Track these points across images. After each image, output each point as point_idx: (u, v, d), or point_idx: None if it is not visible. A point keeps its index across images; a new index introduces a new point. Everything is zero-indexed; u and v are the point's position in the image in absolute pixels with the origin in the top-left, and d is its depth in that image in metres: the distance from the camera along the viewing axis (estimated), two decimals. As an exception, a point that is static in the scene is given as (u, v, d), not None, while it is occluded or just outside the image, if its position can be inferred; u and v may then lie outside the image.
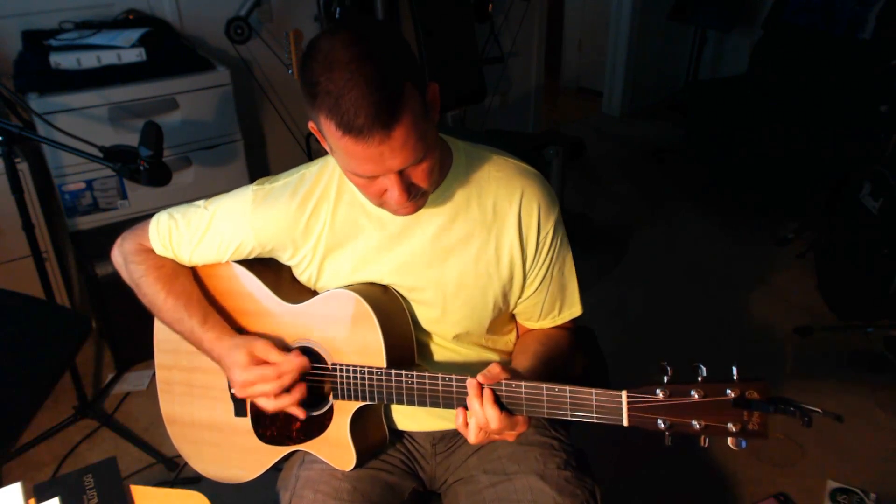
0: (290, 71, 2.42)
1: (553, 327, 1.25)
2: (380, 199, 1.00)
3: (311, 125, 0.99)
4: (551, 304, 1.21)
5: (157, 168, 1.72)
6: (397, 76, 0.89)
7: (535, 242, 1.13)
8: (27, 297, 1.74)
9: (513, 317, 1.25)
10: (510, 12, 3.77)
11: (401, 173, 0.95)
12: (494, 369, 1.00)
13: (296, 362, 1.08)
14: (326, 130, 0.92)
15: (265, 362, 1.10)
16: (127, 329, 2.30)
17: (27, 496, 0.96)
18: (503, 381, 0.99)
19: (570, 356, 1.25)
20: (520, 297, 1.19)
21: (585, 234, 3.29)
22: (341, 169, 0.99)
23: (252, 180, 1.18)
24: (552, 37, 4.53)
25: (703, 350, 2.48)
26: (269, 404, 1.10)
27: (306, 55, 0.92)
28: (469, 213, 1.11)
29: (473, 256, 1.12)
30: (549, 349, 1.19)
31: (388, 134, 0.88)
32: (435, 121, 1.00)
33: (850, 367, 2.42)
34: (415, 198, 0.99)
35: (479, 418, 0.99)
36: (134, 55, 2.28)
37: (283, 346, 1.16)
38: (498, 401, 0.99)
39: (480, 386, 0.99)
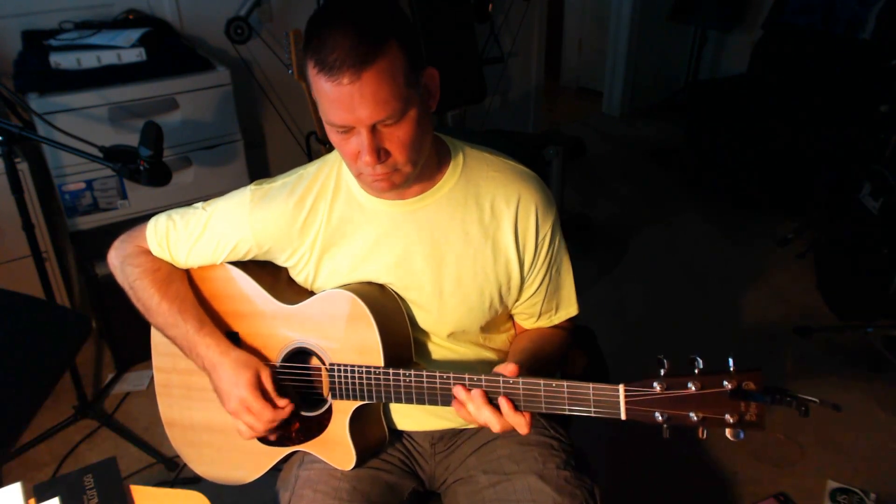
0: (290, 71, 2.42)
1: (548, 326, 1.25)
2: (356, 166, 1.00)
3: (314, 92, 1.00)
4: (548, 305, 1.21)
5: (157, 168, 1.72)
6: (383, 30, 0.91)
7: (533, 245, 1.13)
8: (27, 297, 1.73)
9: (510, 316, 1.26)
10: (510, 12, 3.77)
11: (373, 131, 0.94)
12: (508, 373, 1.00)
13: (288, 411, 1.12)
14: (310, 74, 0.93)
15: (263, 391, 1.11)
16: (127, 329, 2.30)
17: (27, 496, 0.96)
18: (500, 378, 0.99)
19: (562, 353, 1.25)
20: (517, 300, 1.19)
21: (585, 234, 3.29)
22: (325, 126, 0.99)
23: (252, 180, 1.18)
24: (552, 37, 4.54)
25: (703, 350, 2.46)
26: (247, 434, 1.13)
27: (315, 12, 0.96)
28: (467, 211, 1.11)
29: (471, 256, 1.12)
30: (538, 346, 1.19)
31: (357, 75, 0.89)
32: (426, 101, 1.00)
33: (850, 367, 2.42)
34: (387, 166, 0.98)
35: (495, 424, 1.00)
36: (134, 55, 2.28)
37: (280, 349, 1.17)
38: (517, 408, 0.99)
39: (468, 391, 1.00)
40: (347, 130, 0.95)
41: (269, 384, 1.12)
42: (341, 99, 0.91)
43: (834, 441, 2.11)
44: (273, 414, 1.10)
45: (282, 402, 1.12)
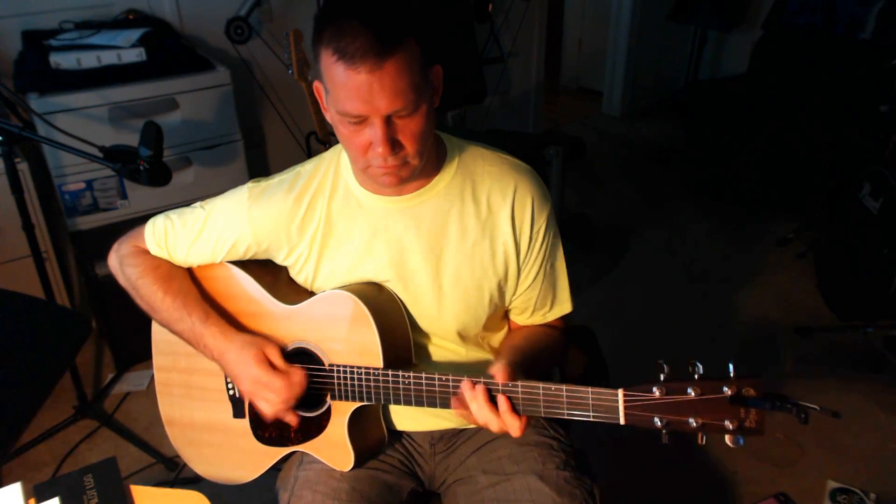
0: (290, 71, 2.42)
1: (542, 325, 1.25)
2: (365, 158, 1.00)
3: (315, 85, 1.00)
4: (543, 300, 1.21)
5: (157, 168, 1.72)
6: (402, 24, 0.92)
7: (528, 237, 1.13)
8: (27, 297, 1.73)
9: (505, 314, 1.25)
10: (510, 12, 3.77)
11: (388, 121, 0.95)
12: (500, 376, 0.99)
13: (301, 376, 1.10)
14: (325, 63, 0.93)
15: (273, 366, 1.10)
16: (127, 329, 2.30)
17: (27, 496, 0.96)
18: (500, 383, 0.99)
19: (555, 353, 1.25)
20: (514, 293, 1.19)
21: (585, 234, 3.29)
22: (332, 118, 0.99)
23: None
24: (552, 37, 4.53)
25: (703, 350, 2.48)
26: (269, 411, 1.11)
27: (325, 2, 0.96)
28: (464, 207, 1.11)
29: (469, 250, 1.12)
30: (531, 343, 1.18)
31: (379, 64, 0.89)
32: (433, 97, 1.01)
33: (850, 367, 2.42)
34: (398, 158, 0.98)
35: (494, 424, 0.99)
36: (134, 55, 2.28)
37: (281, 349, 1.16)
38: (515, 409, 0.98)
39: (487, 392, 0.99)
40: (360, 121, 0.95)
41: (277, 358, 1.11)
42: (359, 88, 0.91)
43: (834, 441, 2.11)
44: (287, 381, 1.09)
45: (293, 370, 1.10)
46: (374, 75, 0.90)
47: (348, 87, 0.92)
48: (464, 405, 1.00)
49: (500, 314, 1.23)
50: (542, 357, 1.18)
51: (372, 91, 0.91)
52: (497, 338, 1.25)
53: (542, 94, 4.28)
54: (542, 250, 1.16)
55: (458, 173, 1.12)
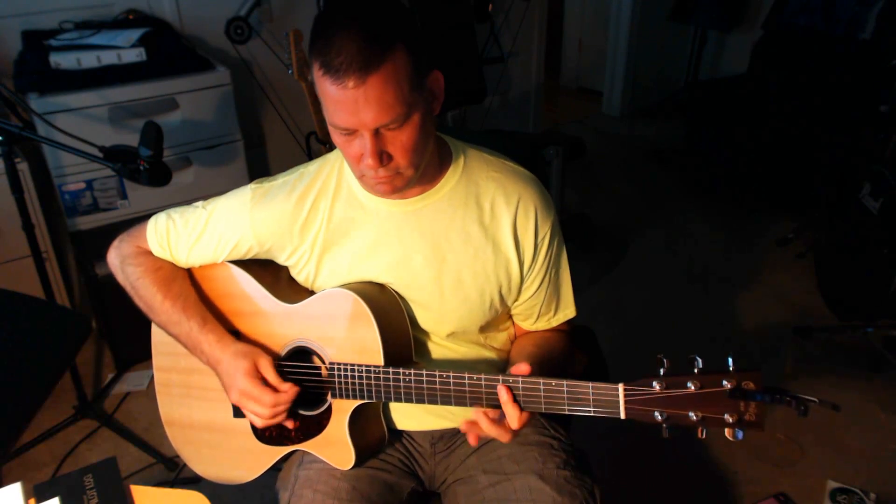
0: (290, 71, 2.42)
1: (548, 329, 1.25)
2: (358, 168, 1.00)
3: (318, 92, 1.00)
4: (548, 306, 1.21)
5: (157, 168, 1.72)
6: (390, 33, 0.91)
7: (532, 246, 1.13)
8: (27, 297, 1.74)
9: (510, 315, 1.26)
10: (510, 12, 3.77)
11: (376, 134, 0.95)
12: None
13: (291, 394, 1.10)
14: (315, 75, 0.93)
15: (264, 379, 1.10)
16: (127, 329, 2.30)
17: (27, 496, 0.96)
18: (500, 377, 0.99)
19: (566, 358, 1.25)
20: (516, 300, 1.19)
21: (585, 234, 3.29)
22: (328, 126, 0.99)
23: (252, 180, 1.18)
24: (552, 37, 4.53)
25: (703, 350, 2.45)
26: (257, 423, 1.13)
27: (321, 12, 0.95)
28: (468, 211, 1.11)
29: (471, 255, 1.12)
30: (545, 351, 1.19)
31: (363, 79, 0.89)
32: (430, 104, 1.00)
33: (851, 367, 2.42)
34: (389, 169, 0.98)
35: (504, 439, 1.00)
36: (134, 55, 2.28)
37: (281, 347, 1.17)
38: (516, 399, 0.99)
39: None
40: (351, 133, 0.96)
41: (268, 371, 1.11)
42: (345, 102, 0.91)
43: (834, 441, 2.11)
44: (274, 398, 1.09)
45: (283, 385, 1.10)
46: (358, 90, 0.90)
47: (335, 101, 0.92)
48: (475, 427, 1.01)
49: (502, 317, 1.23)
50: (550, 360, 1.18)
51: (357, 105, 0.91)
52: (500, 338, 1.25)
53: (542, 94, 4.28)
54: (547, 258, 1.16)
55: (462, 178, 1.12)
